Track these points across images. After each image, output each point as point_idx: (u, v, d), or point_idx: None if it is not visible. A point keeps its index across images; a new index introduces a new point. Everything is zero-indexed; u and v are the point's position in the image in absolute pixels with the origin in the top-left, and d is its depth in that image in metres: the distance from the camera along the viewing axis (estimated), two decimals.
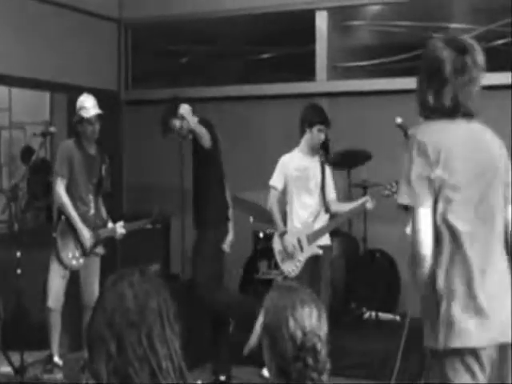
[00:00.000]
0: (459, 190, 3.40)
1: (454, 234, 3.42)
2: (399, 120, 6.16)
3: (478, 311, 3.42)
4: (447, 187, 3.39)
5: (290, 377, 2.72)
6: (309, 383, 2.70)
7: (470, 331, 3.40)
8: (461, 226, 3.40)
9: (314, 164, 6.87)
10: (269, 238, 7.53)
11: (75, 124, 6.87)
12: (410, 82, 7.80)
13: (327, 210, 6.91)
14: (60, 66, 8.53)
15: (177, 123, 6.83)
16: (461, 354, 3.41)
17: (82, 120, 6.77)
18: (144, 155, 9.11)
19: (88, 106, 6.78)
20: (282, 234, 6.83)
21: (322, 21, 8.83)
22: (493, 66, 7.65)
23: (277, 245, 6.91)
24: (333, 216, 6.96)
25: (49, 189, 8.99)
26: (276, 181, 6.86)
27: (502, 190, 3.56)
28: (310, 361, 2.69)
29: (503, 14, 7.98)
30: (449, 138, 3.45)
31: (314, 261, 6.82)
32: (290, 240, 6.77)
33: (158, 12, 9.30)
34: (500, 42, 8.04)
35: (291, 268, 6.78)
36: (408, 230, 5.31)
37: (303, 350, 2.70)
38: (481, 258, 3.45)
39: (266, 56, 9.35)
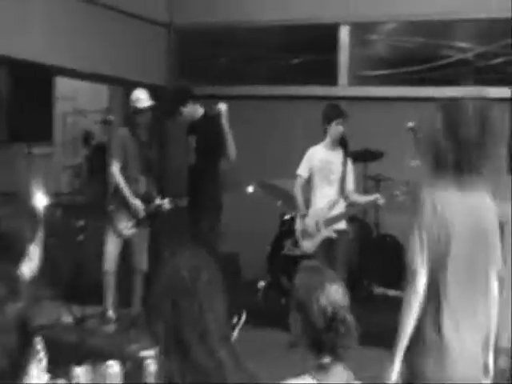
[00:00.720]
0: (454, 254, 3.39)
1: (443, 291, 3.42)
2: (411, 124, 6.42)
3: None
4: (444, 252, 3.38)
5: (323, 347, 2.74)
6: (341, 350, 2.75)
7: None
8: (451, 283, 3.41)
9: (336, 157, 6.99)
10: (293, 220, 7.62)
11: (130, 114, 7.09)
12: (419, 91, 8.20)
13: (345, 199, 7.01)
14: (117, 63, 8.69)
15: (185, 112, 7.13)
16: None
17: (137, 110, 6.99)
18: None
19: (142, 98, 7.00)
20: (303, 216, 6.99)
21: (344, 34, 8.96)
22: (491, 81, 7.98)
23: (298, 225, 7.07)
24: (350, 205, 7.06)
25: (105, 169, 9.30)
26: (302, 170, 7.00)
27: (489, 261, 3.53)
28: (342, 329, 2.74)
29: (500, 36, 8.11)
30: (451, 207, 3.38)
31: (329, 242, 6.94)
32: (310, 222, 6.93)
33: (204, 19, 9.41)
34: (497, 60, 8.19)
35: (309, 245, 6.98)
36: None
37: (335, 321, 2.74)
38: (462, 313, 3.46)
39: (295, 62, 9.38)
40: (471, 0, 8.13)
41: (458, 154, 3.40)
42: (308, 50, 9.30)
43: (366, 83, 9.01)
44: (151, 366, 3.11)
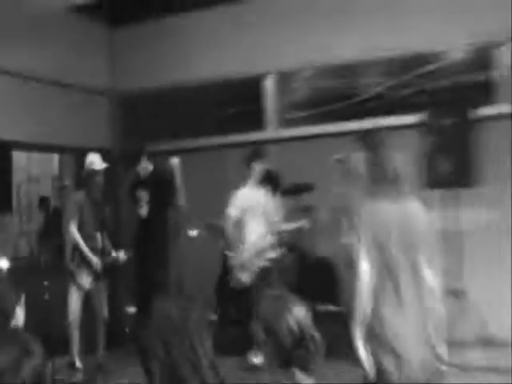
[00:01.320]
0: (391, 251, 3.73)
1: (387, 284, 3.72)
2: (338, 156, 6.51)
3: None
4: (385, 251, 3.72)
5: (293, 364, 2.80)
6: (311, 365, 2.82)
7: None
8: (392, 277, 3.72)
9: (260, 194, 7.26)
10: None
11: (85, 177, 7.24)
12: (341, 126, 8.49)
13: (274, 229, 7.22)
14: (66, 132, 8.81)
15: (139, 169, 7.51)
16: None
17: (92, 172, 7.15)
18: None
19: (96, 161, 7.18)
20: (238, 252, 7.20)
21: (270, 83, 9.25)
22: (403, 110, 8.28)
23: (235, 260, 7.27)
24: (279, 233, 7.26)
25: (61, 230, 9.41)
26: (232, 210, 7.22)
27: (419, 254, 3.81)
28: (312, 347, 2.82)
29: (407, 70, 8.49)
30: (386, 218, 3.77)
31: (264, 271, 7.17)
32: (245, 255, 7.15)
33: (144, 83, 9.65)
34: (407, 91, 8.47)
35: (247, 277, 7.17)
36: (343, 240, 5.80)
37: (304, 340, 2.82)
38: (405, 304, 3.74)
39: (229, 113, 9.57)
40: (377, 41, 8.40)
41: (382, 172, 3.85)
42: (240, 101, 9.54)
43: (293, 125, 9.21)
44: None
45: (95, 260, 7.17)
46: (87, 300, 7.29)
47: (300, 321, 2.87)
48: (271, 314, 2.89)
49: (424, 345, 3.77)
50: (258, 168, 7.25)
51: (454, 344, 5.50)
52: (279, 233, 7.29)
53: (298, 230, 7.26)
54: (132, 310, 8.62)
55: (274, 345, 2.85)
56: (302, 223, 7.06)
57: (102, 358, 7.29)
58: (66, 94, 9.00)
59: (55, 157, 10.51)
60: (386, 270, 3.76)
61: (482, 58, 8.17)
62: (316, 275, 8.09)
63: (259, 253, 7.15)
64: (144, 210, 7.41)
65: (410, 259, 3.79)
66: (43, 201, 10.58)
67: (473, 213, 6.22)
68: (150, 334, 2.34)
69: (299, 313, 2.90)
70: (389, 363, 3.67)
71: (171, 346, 2.28)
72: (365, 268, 3.75)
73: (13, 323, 3.26)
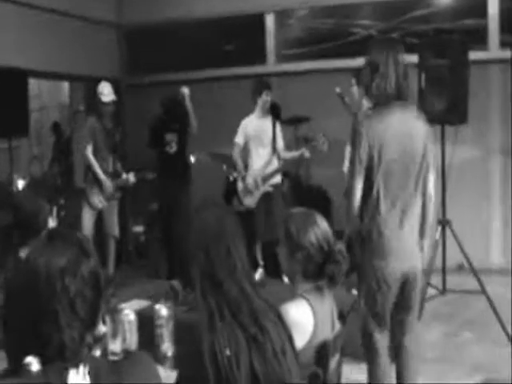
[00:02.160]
0: (388, 163, 3.64)
1: (383, 195, 3.68)
2: (338, 90, 6.45)
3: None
4: (382, 162, 3.63)
5: (323, 275, 2.89)
6: (339, 276, 2.90)
7: None
8: (385, 190, 3.67)
9: (266, 123, 7.27)
10: (235, 180, 7.82)
11: (97, 105, 7.22)
12: (333, 63, 8.53)
13: (278, 157, 7.27)
14: (76, 62, 8.73)
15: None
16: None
17: (103, 102, 7.14)
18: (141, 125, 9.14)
19: (106, 92, 7.14)
20: (243, 176, 7.28)
21: (270, 21, 9.23)
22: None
23: (240, 185, 7.33)
24: (281, 161, 7.29)
25: (71, 153, 9.51)
26: (239, 138, 7.27)
27: (421, 164, 3.73)
28: (340, 259, 2.90)
29: (396, 14, 8.51)
30: (384, 128, 3.65)
31: (267, 196, 7.26)
32: (249, 180, 7.21)
33: (148, 17, 9.56)
34: (394, 34, 8.50)
35: (250, 201, 7.26)
36: (344, 168, 5.83)
37: (332, 253, 2.89)
38: (399, 211, 3.70)
39: (230, 47, 9.57)
40: None
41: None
42: (239, 36, 9.52)
43: (289, 60, 9.22)
44: (162, 311, 3.21)
45: (107, 181, 7.21)
46: (99, 218, 7.36)
47: (327, 235, 2.94)
48: (300, 230, 2.93)
49: (411, 245, 3.79)
50: (265, 98, 7.22)
51: (436, 270, 5.76)
52: (281, 160, 7.32)
53: (299, 159, 7.19)
54: (138, 229, 8.72)
55: (305, 259, 2.91)
56: (303, 152, 7.00)
57: (113, 273, 7.38)
58: (77, 26, 8.90)
59: (63, 87, 10.43)
60: (388, 181, 3.70)
61: (470, 5, 8.21)
62: (310, 202, 8.09)
63: (264, 178, 7.20)
64: (174, 149, 7.43)
65: (414, 166, 3.73)
66: (56, 126, 10.51)
67: (458, 149, 6.29)
68: (191, 241, 2.37)
69: (325, 228, 2.96)
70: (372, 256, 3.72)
71: (210, 251, 2.31)
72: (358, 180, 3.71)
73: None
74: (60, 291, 1.85)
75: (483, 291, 5.56)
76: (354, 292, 3.78)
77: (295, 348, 2.44)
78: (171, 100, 7.55)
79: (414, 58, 6.54)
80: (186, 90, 7.23)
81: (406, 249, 3.76)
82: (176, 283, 3.90)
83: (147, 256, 8.19)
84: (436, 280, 5.83)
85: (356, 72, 6.06)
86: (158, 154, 7.57)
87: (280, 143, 7.37)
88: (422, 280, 3.93)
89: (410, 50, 7.68)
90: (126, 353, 2.70)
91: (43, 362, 1.90)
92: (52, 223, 3.27)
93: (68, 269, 1.87)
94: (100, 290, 1.94)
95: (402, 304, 3.83)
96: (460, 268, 6.70)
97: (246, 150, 7.36)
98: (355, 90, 6.23)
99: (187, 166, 7.76)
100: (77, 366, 1.88)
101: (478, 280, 5.59)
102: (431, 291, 5.59)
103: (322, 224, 2.97)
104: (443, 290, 5.91)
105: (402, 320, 3.89)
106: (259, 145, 7.29)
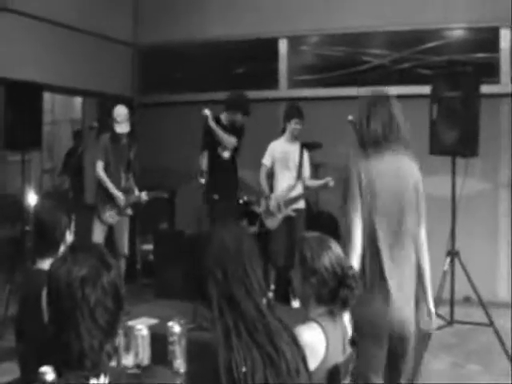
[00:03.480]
0: (380, 209, 3.59)
1: (376, 240, 3.59)
2: (350, 117, 6.60)
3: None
4: (373, 207, 3.59)
5: (336, 300, 2.90)
6: (351, 300, 2.91)
7: None
8: (381, 235, 3.58)
9: (293, 149, 7.27)
10: (247, 203, 7.98)
11: (112, 125, 7.16)
12: (346, 91, 8.56)
13: (303, 184, 7.26)
14: (91, 79, 8.83)
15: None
16: None
17: (117, 127, 7.10)
18: (152, 144, 9.40)
19: (119, 120, 7.10)
20: (267, 198, 7.24)
21: (283, 46, 9.28)
22: (399, 81, 8.34)
23: (262, 206, 7.30)
24: (305, 188, 7.28)
25: (81, 169, 9.50)
26: (266, 160, 7.29)
27: (413, 211, 3.69)
28: (354, 284, 2.91)
29: (409, 45, 8.55)
30: (376, 172, 3.61)
31: (289, 220, 7.20)
32: (273, 203, 7.19)
33: (163, 38, 9.62)
34: (407, 65, 8.60)
35: (272, 223, 7.23)
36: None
37: (346, 278, 2.91)
38: (391, 261, 3.60)
39: (243, 71, 9.63)
40: (383, 15, 8.48)
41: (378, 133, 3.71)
42: (251, 60, 9.57)
43: (301, 86, 9.28)
44: (175, 328, 3.26)
45: (120, 195, 7.21)
46: (110, 235, 7.34)
47: (340, 259, 2.96)
48: (314, 254, 2.95)
49: (409, 296, 3.69)
50: (293, 126, 7.23)
51: (444, 301, 5.77)
52: (306, 187, 7.33)
53: (323, 187, 7.16)
54: (147, 247, 8.72)
55: (319, 283, 2.92)
56: (328, 181, 6.98)
57: (123, 292, 7.30)
58: (93, 43, 9.00)
59: (76, 102, 10.51)
60: (379, 226, 3.62)
61: (482, 39, 8.27)
62: (320, 227, 8.06)
63: (287, 202, 7.19)
64: (227, 153, 7.21)
65: (402, 215, 3.65)
66: (78, 133, 10.36)
67: (468, 181, 6.32)
68: (209, 260, 2.39)
69: (339, 253, 2.98)
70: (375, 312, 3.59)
71: (227, 271, 2.35)
72: (357, 225, 3.63)
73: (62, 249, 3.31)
74: (80, 300, 1.92)
75: (491, 323, 5.57)
76: None
77: (309, 369, 2.47)
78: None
79: (426, 90, 6.65)
80: (207, 112, 7.11)
81: (401, 304, 3.64)
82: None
83: (155, 275, 8.18)
84: (444, 311, 5.84)
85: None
86: (210, 156, 7.25)
87: (307, 171, 7.39)
88: (414, 338, 3.79)
89: (422, 81, 7.97)
90: (146, 367, 2.73)
91: (63, 370, 1.95)
92: (69, 236, 3.29)
93: (88, 279, 1.94)
94: (120, 301, 2.02)
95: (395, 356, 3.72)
96: (467, 300, 6.71)
97: (271, 173, 7.39)
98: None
99: (237, 174, 7.49)
100: (97, 376, 1.92)
101: (486, 312, 5.60)
102: (439, 322, 5.60)
103: (336, 249, 2.99)
104: (451, 321, 5.92)
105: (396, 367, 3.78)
106: (284, 168, 7.30)
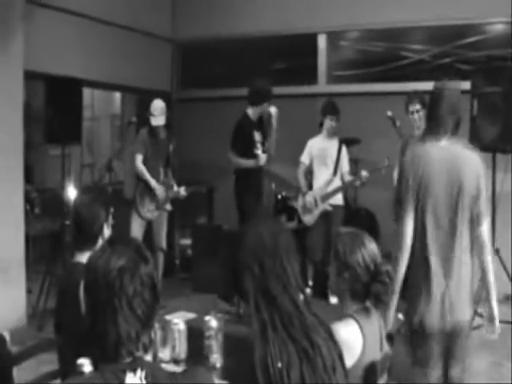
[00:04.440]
0: (433, 201, 3.49)
1: (425, 234, 3.51)
2: (389, 113, 6.47)
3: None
4: (426, 198, 3.49)
5: (369, 296, 2.91)
6: (384, 296, 2.90)
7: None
8: (430, 228, 3.49)
9: (330, 145, 7.25)
10: (284, 199, 7.99)
11: (148, 119, 7.21)
12: (385, 86, 8.51)
13: (342, 179, 7.26)
14: (130, 74, 8.90)
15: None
16: None
17: (155, 120, 7.14)
18: (191, 139, 9.53)
19: (156, 114, 7.14)
20: (304, 194, 7.23)
21: (322, 41, 9.27)
22: (439, 76, 8.30)
23: (300, 202, 7.28)
24: (343, 183, 7.26)
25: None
26: (304, 157, 7.32)
27: (469, 205, 3.54)
28: (387, 280, 2.90)
29: (448, 39, 8.48)
30: (429, 161, 3.51)
31: (325, 215, 7.18)
32: (309, 198, 7.18)
33: (202, 34, 9.64)
34: (446, 60, 8.50)
35: (309, 219, 7.20)
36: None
37: (379, 274, 2.90)
38: (443, 260, 3.50)
39: (278, 66, 9.69)
40: (423, 10, 8.38)
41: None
42: (292, 56, 9.57)
43: (340, 82, 9.25)
44: (212, 322, 3.25)
45: (160, 188, 7.23)
46: (148, 229, 7.37)
47: (374, 255, 2.95)
48: (347, 250, 2.95)
49: (464, 298, 3.59)
50: (328, 122, 7.21)
51: (484, 299, 5.66)
52: (344, 182, 7.30)
53: (361, 181, 7.05)
54: (185, 242, 8.75)
55: (352, 278, 2.92)
56: (365, 175, 6.91)
57: (159, 285, 7.34)
58: (132, 39, 9.08)
59: (115, 98, 10.58)
60: (433, 217, 3.52)
61: None
62: (358, 223, 8.03)
63: (323, 197, 7.17)
64: (261, 151, 7.08)
65: (464, 207, 3.53)
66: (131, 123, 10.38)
67: (509, 177, 6.24)
68: (246, 255, 2.38)
69: (373, 249, 2.97)
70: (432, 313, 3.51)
71: (264, 266, 2.34)
72: (408, 220, 3.54)
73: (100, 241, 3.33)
74: (118, 290, 1.94)
75: None
76: (400, 316, 3.72)
77: (345, 366, 2.45)
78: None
79: (466, 85, 6.55)
80: (273, 110, 7.06)
81: (453, 301, 3.56)
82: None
83: (193, 269, 8.21)
84: (483, 309, 5.75)
85: (421, 95, 6.04)
86: (242, 155, 7.13)
87: (345, 166, 7.39)
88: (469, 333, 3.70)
89: (461, 76, 7.88)
90: (186, 368, 2.73)
91: (99, 360, 1.96)
92: (107, 230, 3.31)
93: (127, 269, 1.96)
94: (156, 293, 2.03)
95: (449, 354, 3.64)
96: (507, 298, 6.62)
97: (309, 169, 7.40)
98: (421, 114, 6.11)
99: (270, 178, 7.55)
100: (134, 370, 1.92)
101: None
102: (479, 320, 5.52)
103: (370, 244, 2.98)
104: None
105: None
106: (322, 165, 7.29)
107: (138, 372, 1.93)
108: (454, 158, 3.55)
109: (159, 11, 9.74)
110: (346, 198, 7.96)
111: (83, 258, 3.21)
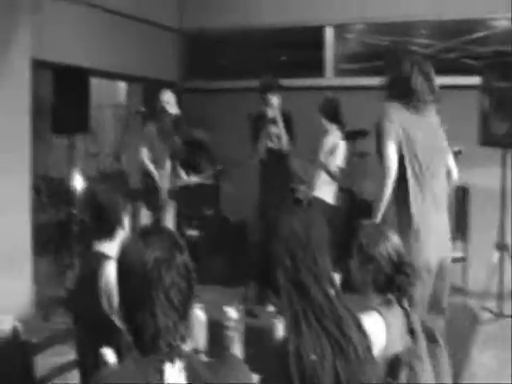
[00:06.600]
0: (416, 152, 3.93)
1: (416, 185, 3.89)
2: None
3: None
4: (410, 150, 3.94)
5: (392, 287, 2.91)
6: (408, 288, 2.91)
7: None
8: (413, 176, 3.89)
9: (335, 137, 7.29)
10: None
11: (158, 112, 7.21)
12: None
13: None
14: (136, 64, 8.87)
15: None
16: None
17: (165, 112, 7.14)
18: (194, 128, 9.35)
19: (172, 102, 7.16)
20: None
21: (329, 34, 9.23)
22: (445, 71, 8.32)
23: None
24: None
25: None
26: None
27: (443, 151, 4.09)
28: (410, 271, 2.93)
29: (453, 34, 8.46)
30: (409, 121, 4.04)
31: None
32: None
33: (209, 24, 9.60)
34: (452, 55, 8.48)
35: None
36: None
37: (402, 265, 2.92)
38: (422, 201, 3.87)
39: (284, 58, 9.69)
40: (430, 4, 8.37)
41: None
42: (298, 48, 9.58)
43: (346, 75, 9.25)
44: (232, 313, 3.26)
45: (162, 184, 7.26)
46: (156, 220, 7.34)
47: (397, 247, 2.96)
48: (371, 243, 2.97)
49: (443, 233, 3.94)
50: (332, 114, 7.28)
51: (493, 294, 5.68)
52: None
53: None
54: (193, 232, 8.73)
55: (375, 270, 2.93)
56: None
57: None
58: (138, 28, 9.03)
59: (120, 87, 10.52)
60: (417, 168, 3.94)
61: None
62: (364, 216, 8.07)
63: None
64: (277, 145, 7.25)
65: (438, 158, 4.01)
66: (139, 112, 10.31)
67: None
68: (278, 245, 2.38)
69: (395, 241, 2.99)
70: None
71: (296, 258, 2.34)
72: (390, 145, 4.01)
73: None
74: (155, 280, 1.92)
75: None
76: None
77: (374, 358, 2.44)
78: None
79: (472, 80, 6.52)
80: (275, 100, 7.27)
81: (440, 237, 3.88)
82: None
83: (199, 260, 8.19)
84: (492, 304, 5.76)
85: None
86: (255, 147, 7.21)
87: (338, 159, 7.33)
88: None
89: (468, 71, 7.86)
90: (221, 355, 2.73)
91: (138, 351, 1.94)
92: (126, 219, 3.29)
93: (163, 259, 1.95)
94: (192, 282, 2.01)
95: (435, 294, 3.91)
96: None
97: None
98: None
99: (288, 170, 7.54)
100: (172, 360, 1.91)
101: None
102: (487, 315, 5.54)
103: (393, 236, 3.00)
104: (499, 315, 5.84)
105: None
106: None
107: (177, 362, 1.92)
108: (430, 124, 4.10)
109: (166, 1, 9.69)
110: (351, 190, 8.07)
111: (102, 247, 3.21)
